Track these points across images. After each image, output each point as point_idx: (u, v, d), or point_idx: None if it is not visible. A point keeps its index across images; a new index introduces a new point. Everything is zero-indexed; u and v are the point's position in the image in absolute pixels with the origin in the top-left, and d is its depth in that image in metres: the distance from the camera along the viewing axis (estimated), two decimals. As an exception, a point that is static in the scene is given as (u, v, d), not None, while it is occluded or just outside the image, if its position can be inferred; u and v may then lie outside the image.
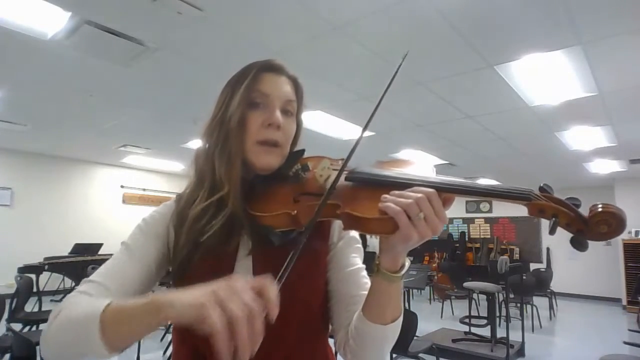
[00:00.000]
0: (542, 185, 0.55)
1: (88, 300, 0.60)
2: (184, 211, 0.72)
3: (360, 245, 0.79)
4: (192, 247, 0.67)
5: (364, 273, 0.76)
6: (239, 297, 0.43)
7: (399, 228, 0.54)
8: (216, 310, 0.43)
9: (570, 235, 0.53)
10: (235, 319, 0.42)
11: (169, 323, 0.50)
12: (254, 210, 0.67)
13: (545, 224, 9.30)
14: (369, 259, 0.64)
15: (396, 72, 0.68)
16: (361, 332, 0.65)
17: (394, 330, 0.65)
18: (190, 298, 0.46)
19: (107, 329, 0.52)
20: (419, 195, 0.54)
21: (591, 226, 0.51)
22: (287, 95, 0.75)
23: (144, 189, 8.54)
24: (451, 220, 10.76)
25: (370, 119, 0.68)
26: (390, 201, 0.54)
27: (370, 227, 0.57)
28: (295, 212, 0.63)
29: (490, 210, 10.27)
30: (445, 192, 0.57)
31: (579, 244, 0.52)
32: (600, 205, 0.51)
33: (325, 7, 2.40)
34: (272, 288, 0.46)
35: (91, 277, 0.67)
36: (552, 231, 0.53)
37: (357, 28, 2.62)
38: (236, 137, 0.70)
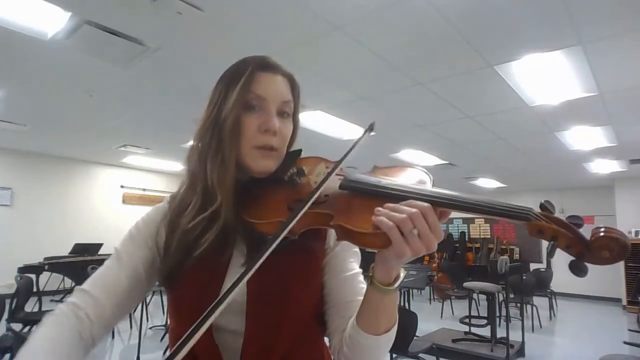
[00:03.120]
0: (542, 202, 0.53)
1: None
2: (177, 217, 0.70)
3: (357, 250, 0.78)
4: (183, 256, 0.66)
5: (361, 278, 0.75)
6: None
7: (391, 243, 0.52)
8: None
9: (571, 258, 0.51)
10: None
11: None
12: (248, 217, 0.66)
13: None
14: (369, 259, 0.64)
15: (358, 140, 0.67)
16: (355, 341, 0.64)
17: (388, 339, 0.64)
18: None
19: None
20: (414, 210, 0.51)
21: (593, 250, 0.49)
22: (283, 96, 0.72)
23: (144, 189, 8.55)
24: (451, 220, 10.75)
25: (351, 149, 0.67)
26: (384, 215, 0.52)
27: (362, 241, 0.55)
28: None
29: (490, 210, 10.26)
30: (442, 206, 0.55)
31: (578, 269, 0.50)
32: (602, 229, 0.49)
33: (325, 7, 2.40)
34: None
35: (83, 286, 0.68)
36: (550, 254, 0.50)
37: (357, 28, 2.62)
38: (230, 140, 0.68)
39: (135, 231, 0.74)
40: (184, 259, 0.66)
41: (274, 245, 0.53)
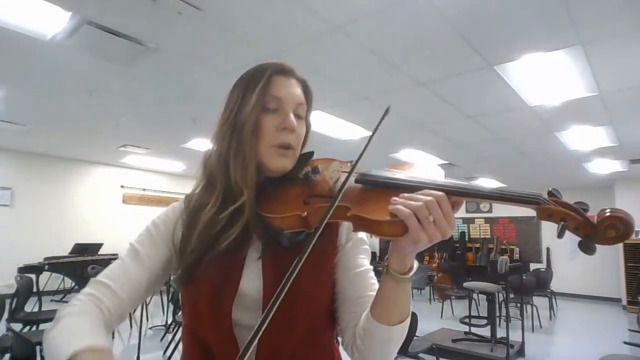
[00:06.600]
0: (550, 189, 0.55)
1: (73, 328, 0.60)
2: (196, 215, 0.71)
3: (367, 247, 0.80)
4: (203, 252, 0.68)
5: (372, 274, 0.77)
6: None
7: (408, 231, 0.54)
8: None
9: (578, 239, 0.54)
10: None
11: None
12: (264, 212, 0.68)
13: (545, 224, 9.34)
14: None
15: (378, 125, 0.68)
16: (368, 332, 0.66)
17: (401, 331, 0.66)
18: None
19: None
20: (429, 198, 0.54)
21: (599, 231, 0.52)
22: (298, 98, 0.76)
23: (144, 189, 8.54)
24: (451, 220, 10.75)
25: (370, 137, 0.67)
26: (400, 204, 0.55)
27: (380, 230, 0.57)
28: (306, 213, 0.64)
29: (490, 210, 10.28)
30: (455, 195, 0.57)
31: (587, 247, 0.53)
32: (608, 210, 0.51)
33: (325, 7, 2.40)
34: None
35: (98, 277, 0.69)
36: (560, 235, 0.53)
37: (357, 28, 2.62)
38: (250, 141, 0.71)
39: (154, 230, 0.75)
40: (203, 255, 0.67)
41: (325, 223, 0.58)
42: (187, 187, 0.79)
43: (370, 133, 0.69)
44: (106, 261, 5.65)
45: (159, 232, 0.74)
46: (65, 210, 7.40)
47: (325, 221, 0.58)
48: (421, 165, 0.69)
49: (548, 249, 9.32)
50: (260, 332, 0.52)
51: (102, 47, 2.88)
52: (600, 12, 2.38)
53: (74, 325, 0.61)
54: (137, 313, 4.97)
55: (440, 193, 0.55)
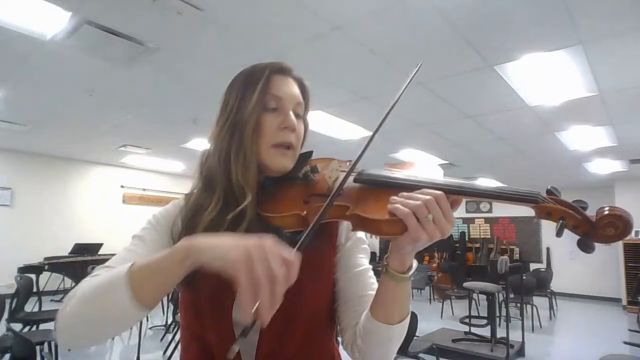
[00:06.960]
0: (549, 187, 0.56)
1: (107, 270, 0.60)
2: (195, 216, 0.71)
3: (367, 246, 0.80)
4: None
5: (371, 273, 0.77)
6: (268, 262, 0.46)
7: (407, 229, 0.54)
8: (245, 271, 0.46)
9: (577, 237, 0.53)
10: (261, 283, 0.45)
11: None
12: (264, 211, 0.68)
13: (545, 224, 9.36)
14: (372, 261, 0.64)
15: (410, 81, 0.68)
16: (369, 332, 0.66)
17: (401, 330, 0.66)
18: (223, 250, 0.48)
19: (136, 285, 0.52)
20: (427, 197, 0.54)
21: (598, 229, 0.52)
22: (297, 97, 0.76)
23: (144, 189, 8.54)
24: (451, 220, 10.74)
25: (382, 122, 0.68)
26: (399, 203, 0.55)
27: (379, 229, 0.57)
28: (305, 212, 0.64)
29: (490, 210, 10.27)
30: (453, 194, 0.57)
31: (586, 246, 0.53)
32: (607, 208, 0.51)
33: (325, 7, 2.39)
34: (296, 261, 0.48)
35: (106, 264, 0.67)
36: (559, 233, 0.53)
37: (357, 28, 2.62)
38: (252, 141, 0.70)
39: (155, 222, 0.74)
40: None
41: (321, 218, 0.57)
42: (187, 187, 0.79)
43: (370, 133, 0.69)
44: (106, 261, 5.65)
45: (160, 225, 0.74)
46: (66, 210, 7.40)
47: (320, 220, 0.57)
48: (420, 164, 0.69)
49: (548, 249, 9.32)
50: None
51: (102, 47, 2.88)
52: (600, 12, 2.38)
53: (102, 272, 0.60)
54: (137, 313, 4.97)
55: (439, 192, 0.55)
